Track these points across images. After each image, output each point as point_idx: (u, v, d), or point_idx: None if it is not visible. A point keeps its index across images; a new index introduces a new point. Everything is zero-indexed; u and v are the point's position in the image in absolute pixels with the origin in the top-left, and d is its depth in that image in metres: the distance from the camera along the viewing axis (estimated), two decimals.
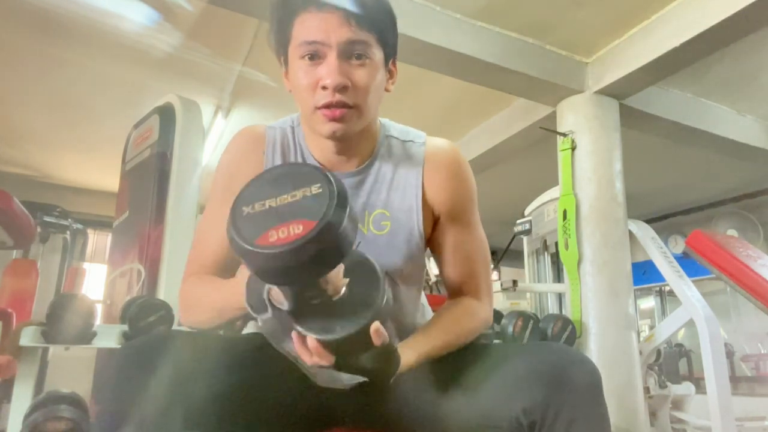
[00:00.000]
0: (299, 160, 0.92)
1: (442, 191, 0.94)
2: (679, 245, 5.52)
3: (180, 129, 2.86)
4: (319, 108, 0.83)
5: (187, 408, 0.64)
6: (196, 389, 0.66)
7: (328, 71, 0.81)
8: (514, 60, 2.89)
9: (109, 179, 4.75)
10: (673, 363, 4.21)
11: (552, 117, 3.27)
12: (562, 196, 3.02)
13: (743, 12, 2.39)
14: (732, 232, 5.14)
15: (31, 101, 3.84)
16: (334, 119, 0.83)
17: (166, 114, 2.94)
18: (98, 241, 5.54)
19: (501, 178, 4.47)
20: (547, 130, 3.20)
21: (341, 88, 0.81)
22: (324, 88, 0.82)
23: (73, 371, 3.62)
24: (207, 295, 0.87)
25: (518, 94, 3.27)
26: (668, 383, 3.56)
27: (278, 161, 0.92)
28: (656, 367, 3.62)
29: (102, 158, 4.73)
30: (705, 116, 3.59)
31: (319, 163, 0.92)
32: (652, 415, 3.48)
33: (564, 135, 3.08)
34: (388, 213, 0.92)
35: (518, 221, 3.72)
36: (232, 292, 0.79)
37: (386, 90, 0.91)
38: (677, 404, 3.66)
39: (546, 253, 3.73)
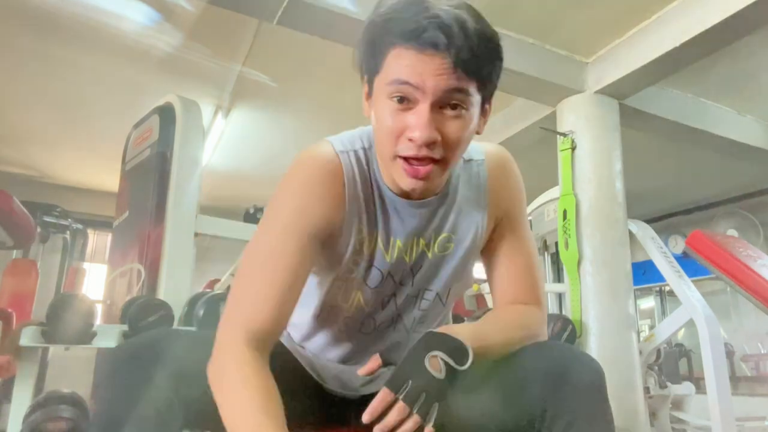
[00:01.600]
0: (376, 195, 0.84)
1: (502, 201, 0.91)
2: (679, 245, 5.52)
3: (180, 129, 2.86)
4: (400, 157, 0.75)
5: (188, 409, 0.64)
6: (197, 390, 0.66)
7: (418, 123, 0.71)
8: (514, 60, 2.89)
9: (109, 179, 4.74)
10: (673, 363, 4.21)
11: (552, 117, 3.27)
12: (562, 196, 3.02)
13: (743, 12, 2.39)
14: (732, 232, 5.14)
15: (31, 101, 3.84)
16: (416, 176, 0.75)
17: (166, 114, 2.94)
18: (98, 241, 5.54)
19: None
20: (547, 130, 3.20)
21: (430, 143, 0.73)
22: (411, 140, 0.73)
23: (73, 371, 3.63)
24: (247, 412, 0.69)
25: (518, 94, 3.27)
26: (668, 383, 3.56)
27: (360, 194, 0.83)
28: (656, 367, 3.61)
29: (102, 158, 4.73)
30: (705, 116, 3.59)
31: (392, 192, 0.85)
32: (652, 415, 3.48)
33: (564, 135, 3.08)
34: (454, 235, 0.89)
35: None
36: None
37: (477, 133, 0.83)
38: (677, 404, 3.66)
39: (546, 253, 3.73)
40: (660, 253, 3.25)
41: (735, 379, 5.02)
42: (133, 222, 3.00)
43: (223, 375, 0.71)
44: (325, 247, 0.83)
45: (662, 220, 6.01)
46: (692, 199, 5.69)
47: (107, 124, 4.08)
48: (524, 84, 3.02)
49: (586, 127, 3.04)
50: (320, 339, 0.92)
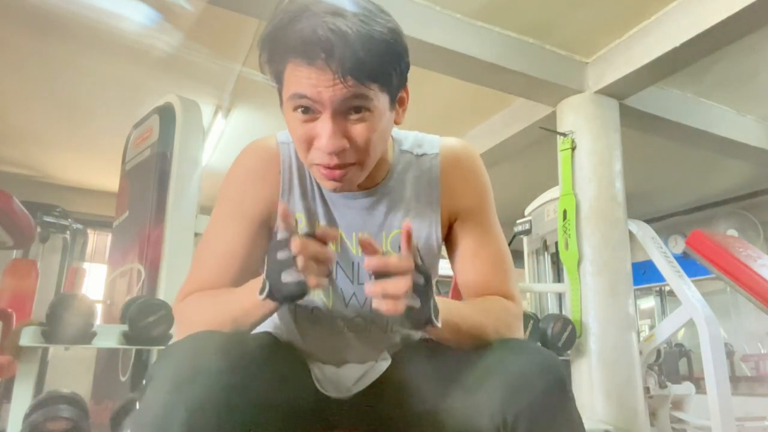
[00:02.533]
0: (314, 184, 0.88)
1: (458, 196, 0.91)
2: (679, 245, 5.52)
3: (180, 129, 2.86)
4: (316, 165, 0.78)
5: (187, 408, 0.64)
6: (195, 389, 0.66)
7: (323, 134, 0.73)
8: (514, 60, 2.89)
9: (109, 179, 4.75)
10: (673, 363, 4.21)
11: (552, 117, 3.27)
12: (562, 196, 3.02)
13: (743, 12, 2.39)
14: (732, 232, 5.14)
15: (31, 101, 3.84)
16: (333, 179, 0.77)
17: (166, 114, 2.95)
18: (98, 241, 5.54)
19: (501, 178, 4.46)
20: (547, 130, 3.20)
21: (339, 152, 0.75)
22: (319, 149, 0.75)
23: (73, 371, 3.63)
24: (219, 303, 0.81)
25: (518, 94, 3.27)
26: (668, 383, 3.57)
27: (295, 181, 0.87)
28: (656, 367, 3.62)
29: (102, 158, 4.73)
30: (705, 116, 3.59)
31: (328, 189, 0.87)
32: (652, 415, 3.48)
33: (564, 135, 3.08)
34: None
35: (518, 221, 3.72)
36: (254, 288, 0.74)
37: (396, 123, 0.83)
38: (677, 404, 3.66)
39: (546, 253, 3.73)
40: (660, 253, 3.25)
41: (735, 379, 5.02)
42: (133, 222, 3.00)
43: (186, 310, 0.85)
44: (270, 230, 0.88)
45: (662, 220, 6.01)
46: (692, 199, 5.69)
47: (107, 124, 4.08)
48: (524, 84, 3.02)
49: (586, 127, 3.04)
50: (306, 341, 0.93)
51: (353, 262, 0.89)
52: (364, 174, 0.81)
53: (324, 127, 0.73)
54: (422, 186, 0.90)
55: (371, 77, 0.72)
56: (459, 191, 0.90)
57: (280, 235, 0.69)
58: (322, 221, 0.88)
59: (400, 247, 0.86)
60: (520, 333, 0.89)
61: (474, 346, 0.80)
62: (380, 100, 0.75)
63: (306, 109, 0.74)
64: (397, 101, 0.81)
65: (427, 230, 0.90)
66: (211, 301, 0.83)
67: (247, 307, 0.76)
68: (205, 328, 0.77)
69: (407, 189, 0.89)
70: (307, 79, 0.72)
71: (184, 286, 0.88)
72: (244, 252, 0.86)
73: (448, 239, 0.94)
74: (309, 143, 0.76)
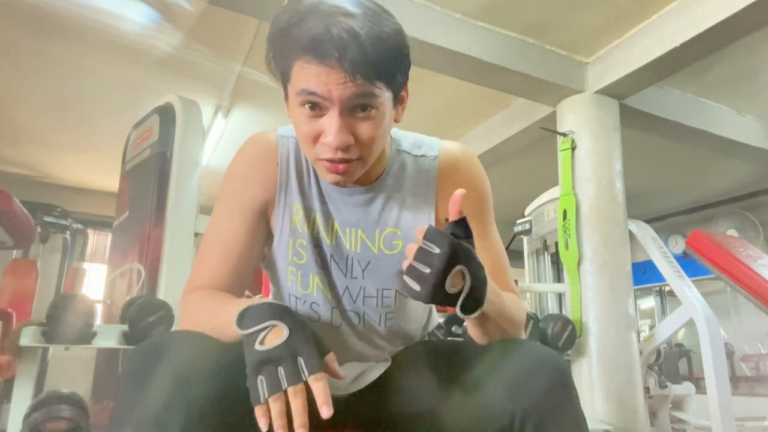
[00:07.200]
0: (311, 178, 0.90)
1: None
2: (679, 245, 5.52)
3: (180, 129, 2.86)
4: (320, 160, 0.80)
5: (187, 409, 0.64)
6: (194, 390, 0.66)
7: (330, 130, 0.75)
8: (514, 60, 2.89)
9: (109, 179, 4.75)
10: (673, 363, 4.21)
11: (552, 117, 3.27)
12: (562, 196, 3.02)
13: (743, 12, 2.39)
14: (732, 232, 5.14)
15: (31, 101, 3.84)
16: (337, 172, 0.79)
17: (166, 114, 2.94)
18: (98, 241, 5.54)
19: (501, 178, 4.47)
20: (547, 130, 3.20)
21: (344, 147, 0.76)
22: (325, 144, 0.77)
23: (73, 371, 3.63)
24: (207, 320, 0.80)
25: (518, 94, 3.27)
26: (668, 383, 3.57)
27: (292, 174, 0.89)
28: (656, 367, 3.62)
29: (102, 158, 4.73)
30: (705, 116, 3.60)
31: (324, 180, 0.90)
32: (652, 415, 3.48)
33: (564, 135, 3.08)
34: (399, 232, 0.89)
35: (518, 221, 3.72)
36: (228, 319, 0.73)
37: (396, 121, 0.85)
38: (677, 404, 3.66)
39: (546, 253, 3.73)
40: (660, 253, 3.25)
41: (735, 379, 5.03)
42: (133, 222, 3.00)
43: (186, 314, 0.85)
44: (268, 223, 0.91)
45: (662, 220, 6.01)
46: (692, 199, 5.70)
47: (107, 124, 4.08)
48: (524, 84, 3.02)
49: (586, 127, 3.04)
50: None
51: (347, 257, 0.90)
52: (364, 169, 0.82)
53: (331, 124, 0.75)
54: (419, 186, 0.91)
55: (379, 76, 0.75)
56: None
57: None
58: (319, 215, 0.89)
59: (395, 242, 0.89)
60: (523, 328, 0.90)
61: (494, 340, 0.82)
62: (385, 97, 0.78)
63: (313, 105, 0.76)
64: (398, 100, 0.83)
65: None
66: (210, 309, 0.83)
67: (229, 333, 0.75)
68: (201, 331, 0.78)
69: (404, 188, 0.90)
70: (317, 77, 0.73)
71: (191, 279, 0.90)
72: (242, 243, 0.88)
73: None
74: (315, 138, 0.78)
